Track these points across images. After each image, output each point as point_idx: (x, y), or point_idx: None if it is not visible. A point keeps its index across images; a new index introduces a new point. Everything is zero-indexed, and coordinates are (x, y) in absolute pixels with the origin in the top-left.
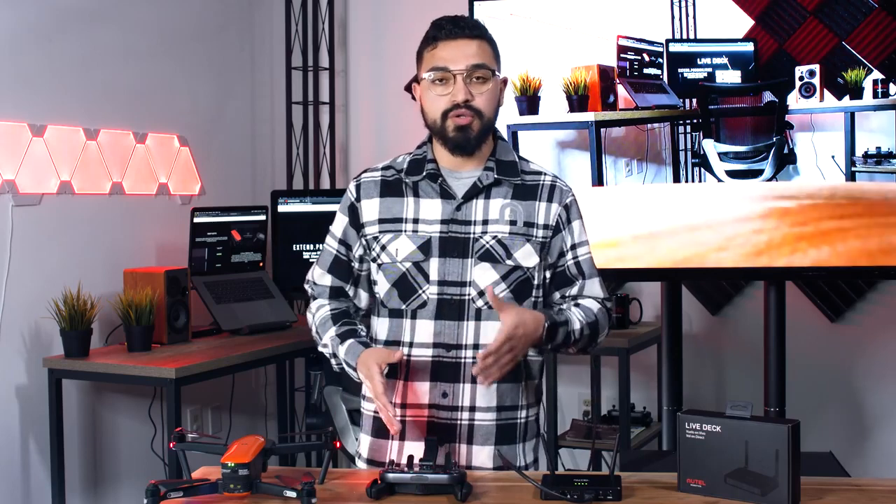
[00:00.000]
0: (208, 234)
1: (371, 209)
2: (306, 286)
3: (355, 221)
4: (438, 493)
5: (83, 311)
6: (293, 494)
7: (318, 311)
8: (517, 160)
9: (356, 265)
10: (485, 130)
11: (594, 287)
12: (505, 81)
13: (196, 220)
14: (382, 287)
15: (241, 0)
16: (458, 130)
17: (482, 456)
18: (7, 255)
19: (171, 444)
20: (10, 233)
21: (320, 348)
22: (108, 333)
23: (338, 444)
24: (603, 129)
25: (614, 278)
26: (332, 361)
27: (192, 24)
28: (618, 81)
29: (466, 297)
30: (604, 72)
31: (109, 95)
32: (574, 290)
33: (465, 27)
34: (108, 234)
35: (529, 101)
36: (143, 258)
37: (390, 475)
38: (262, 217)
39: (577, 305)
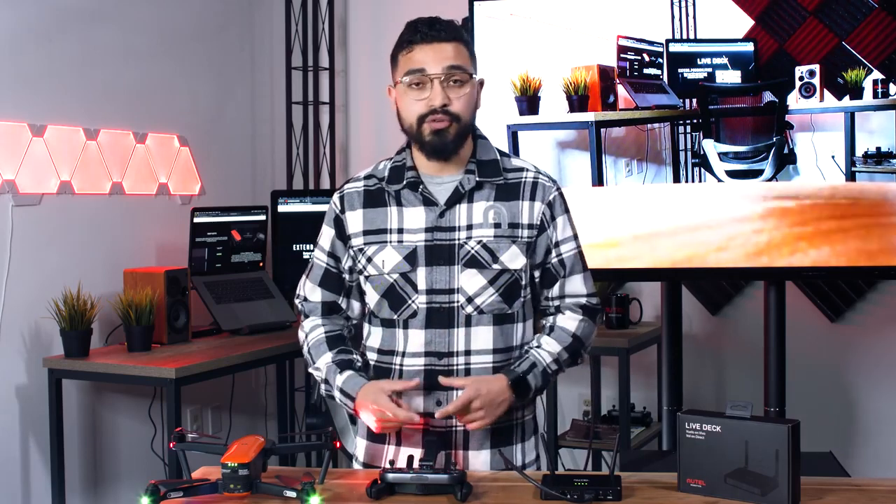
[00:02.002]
0: (208, 234)
1: (355, 221)
2: (296, 301)
3: (341, 233)
4: (438, 493)
5: (83, 311)
6: (293, 494)
7: (312, 332)
8: (498, 158)
9: (346, 276)
10: (462, 134)
11: (575, 284)
12: (481, 83)
13: (196, 220)
14: (372, 298)
15: (241, 0)
16: (435, 134)
17: (478, 461)
18: (7, 255)
19: (171, 444)
20: (10, 233)
21: (311, 370)
22: (108, 333)
23: (338, 444)
24: (603, 129)
25: (614, 278)
26: (322, 386)
27: (192, 24)
28: (618, 81)
29: (455, 305)
30: (604, 72)
31: (109, 95)
32: (555, 290)
33: (441, 29)
34: (108, 234)
35: (529, 101)
36: (143, 258)
37: (390, 475)
38: (262, 217)
39: (551, 330)
